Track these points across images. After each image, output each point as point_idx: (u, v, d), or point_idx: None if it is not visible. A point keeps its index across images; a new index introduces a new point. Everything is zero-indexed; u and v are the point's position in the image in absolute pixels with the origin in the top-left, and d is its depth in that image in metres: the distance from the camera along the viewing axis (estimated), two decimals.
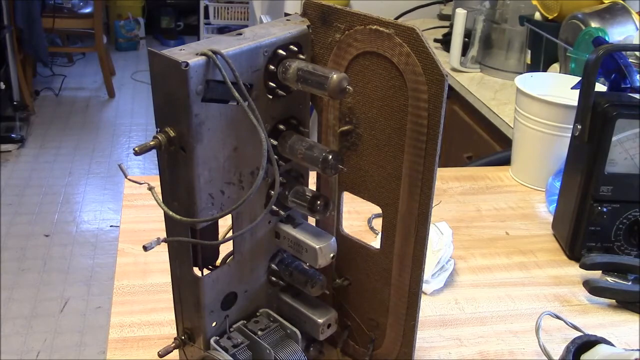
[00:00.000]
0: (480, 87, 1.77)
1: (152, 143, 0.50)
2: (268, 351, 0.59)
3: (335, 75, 0.50)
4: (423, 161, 0.54)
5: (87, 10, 3.99)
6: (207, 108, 0.50)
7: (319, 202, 0.57)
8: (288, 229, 0.60)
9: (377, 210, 0.60)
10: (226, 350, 0.58)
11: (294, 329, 0.62)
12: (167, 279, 0.60)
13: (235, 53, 0.50)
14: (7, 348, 2.03)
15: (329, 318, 0.63)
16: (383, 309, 0.63)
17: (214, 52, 0.48)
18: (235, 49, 0.51)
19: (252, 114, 0.49)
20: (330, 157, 0.53)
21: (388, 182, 0.58)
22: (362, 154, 0.59)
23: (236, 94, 0.49)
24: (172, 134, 0.50)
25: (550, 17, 1.68)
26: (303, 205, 0.57)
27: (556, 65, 1.64)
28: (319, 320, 0.62)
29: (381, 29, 0.53)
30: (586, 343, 0.67)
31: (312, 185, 0.63)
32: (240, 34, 0.53)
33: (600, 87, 0.95)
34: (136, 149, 0.49)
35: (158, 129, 0.51)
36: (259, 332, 0.60)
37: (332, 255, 0.59)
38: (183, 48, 0.50)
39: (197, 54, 0.48)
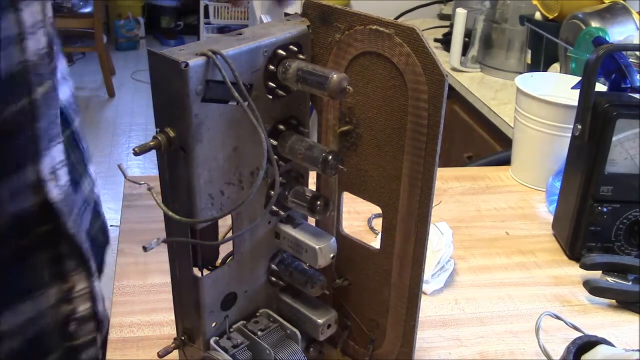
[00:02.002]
0: (481, 86, 1.77)
1: (151, 143, 0.50)
2: (268, 351, 0.59)
3: (335, 76, 0.50)
4: (423, 161, 0.54)
5: (87, 9, 3.99)
6: (207, 108, 0.50)
7: (318, 202, 0.57)
8: (288, 229, 0.60)
9: (377, 210, 0.60)
10: (226, 350, 0.58)
11: (294, 329, 0.62)
12: (167, 279, 0.60)
13: (235, 53, 0.50)
14: None
15: (329, 318, 0.63)
16: (383, 309, 0.63)
17: (214, 52, 0.48)
18: (235, 49, 0.51)
19: (251, 114, 0.49)
20: (330, 157, 0.53)
21: (388, 182, 0.58)
22: (362, 154, 0.59)
23: (236, 94, 0.49)
24: (171, 134, 0.50)
25: (550, 17, 1.68)
26: (303, 205, 0.57)
27: (556, 65, 1.64)
28: (319, 321, 0.62)
29: (381, 29, 0.53)
30: (587, 343, 0.67)
31: (312, 185, 0.63)
32: (240, 34, 0.53)
33: (600, 87, 0.95)
34: (136, 149, 0.49)
35: (158, 129, 0.51)
36: (259, 333, 0.60)
37: (332, 255, 0.59)
38: (183, 48, 0.50)
39: (196, 54, 0.48)
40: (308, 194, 0.58)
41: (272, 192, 0.57)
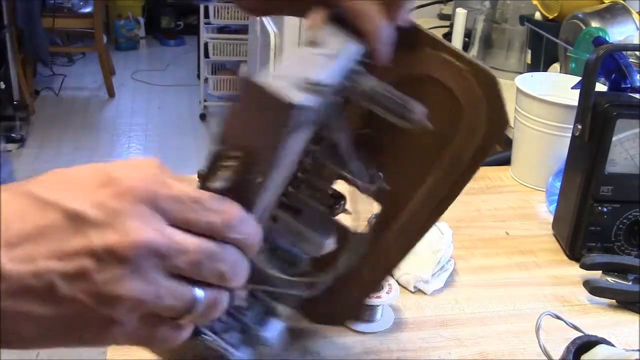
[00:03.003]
0: None
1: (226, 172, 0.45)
2: (255, 330, 0.57)
3: (418, 109, 0.48)
4: (447, 191, 0.54)
5: (87, 9, 4.00)
6: (291, 138, 0.46)
7: (342, 201, 0.56)
8: (288, 216, 0.59)
9: (377, 210, 0.60)
10: (215, 333, 0.57)
11: (276, 303, 0.59)
12: None
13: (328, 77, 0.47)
14: None
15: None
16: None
17: (317, 84, 0.45)
18: (327, 71, 0.47)
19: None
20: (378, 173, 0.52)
21: (401, 193, 0.58)
22: (382, 162, 0.58)
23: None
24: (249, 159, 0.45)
25: (550, 17, 1.68)
26: (322, 202, 0.56)
27: (556, 65, 1.64)
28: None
29: (457, 63, 0.51)
30: (586, 343, 0.67)
31: None
32: (316, 43, 0.50)
33: (600, 87, 0.95)
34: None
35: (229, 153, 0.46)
36: (245, 312, 0.59)
37: (333, 245, 0.58)
38: (279, 77, 0.45)
39: (297, 88, 0.44)
40: (327, 190, 0.56)
41: (290, 189, 0.55)
